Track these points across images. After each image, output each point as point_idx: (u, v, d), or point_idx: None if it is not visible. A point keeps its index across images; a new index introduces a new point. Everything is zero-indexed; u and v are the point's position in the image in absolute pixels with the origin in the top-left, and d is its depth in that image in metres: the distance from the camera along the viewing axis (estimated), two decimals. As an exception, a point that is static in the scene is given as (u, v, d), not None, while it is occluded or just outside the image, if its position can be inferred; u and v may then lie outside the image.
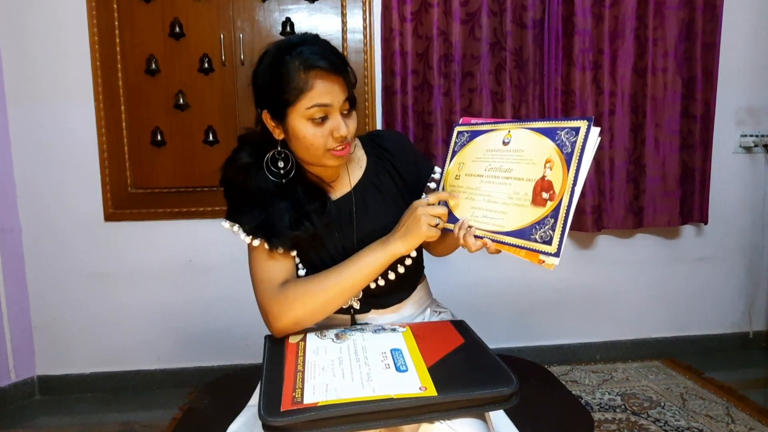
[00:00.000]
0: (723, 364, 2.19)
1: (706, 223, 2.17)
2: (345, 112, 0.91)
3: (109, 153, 1.96)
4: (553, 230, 0.72)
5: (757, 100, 2.22)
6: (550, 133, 0.78)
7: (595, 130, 0.74)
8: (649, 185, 2.10)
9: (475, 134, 0.91)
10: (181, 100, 1.95)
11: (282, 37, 1.95)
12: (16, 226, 1.96)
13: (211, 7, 1.94)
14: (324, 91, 0.87)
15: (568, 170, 0.74)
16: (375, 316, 1.02)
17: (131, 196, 1.99)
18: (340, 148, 0.91)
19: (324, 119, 0.89)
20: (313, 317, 0.92)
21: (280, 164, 0.96)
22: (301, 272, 0.99)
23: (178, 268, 2.04)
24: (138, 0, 1.91)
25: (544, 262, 0.74)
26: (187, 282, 2.05)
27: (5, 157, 1.92)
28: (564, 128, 0.77)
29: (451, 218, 0.88)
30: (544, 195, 0.75)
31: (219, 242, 2.01)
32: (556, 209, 0.73)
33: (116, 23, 1.91)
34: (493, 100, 2.03)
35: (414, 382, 0.73)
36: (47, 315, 2.02)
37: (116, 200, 1.98)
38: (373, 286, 0.98)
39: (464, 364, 0.81)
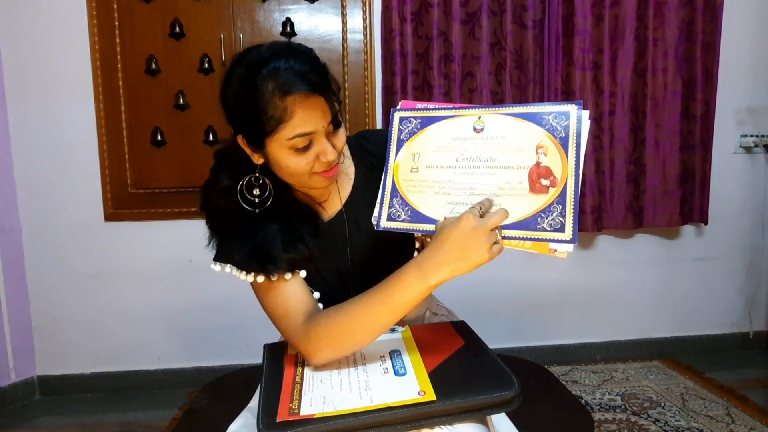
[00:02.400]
0: (723, 364, 2.19)
1: (706, 223, 2.17)
2: (330, 131, 0.81)
3: (109, 153, 1.96)
4: (563, 216, 0.69)
5: (757, 100, 2.22)
6: (535, 119, 0.74)
7: (586, 113, 0.73)
8: (649, 185, 2.10)
9: (428, 121, 0.81)
10: (181, 100, 1.95)
11: (282, 38, 1.97)
12: (16, 226, 1.96)
13: (211, 7, 1.94)
14: (306, 119, 0.76)
15: (567, 154, 0.71)
16: None
17: (131, 196, 1.99)
18: (329, 171, 0.83)
19: (308, 147, 0.79)
20: (347, 353, 0.81)
21: (256, 191, 0.86)
22: (315, 294, 0.91)
23: (178, 268, 2.04)
24: (138, 0, 1.91)
25: (555, 251, 0.70)
26: (187, 282, 2.05)
27: (5, 157, 1.92)
28: (551, 113, 0.74)
29: (418, 217, 0.78)
30: (544, 182, 0.72)
31: (219, 242, 2.01)
32: (562, 195, 0.70)
33: (116, 23, 1.91)
34: (493, 100, 2.03)
35: (412, 387, 0.72)
36: (47, 315, 2.02)
37: (116, 200, 1.98)
38: None
39: (465, 368, 0.79)
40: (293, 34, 1.98)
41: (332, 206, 0.94)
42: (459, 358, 0.82)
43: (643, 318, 2.28)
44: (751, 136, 2.22)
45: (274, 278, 0.84)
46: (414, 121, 0.82)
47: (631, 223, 2.13)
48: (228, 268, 0.88)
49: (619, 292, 2.26)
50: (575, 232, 0.68)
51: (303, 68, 0.76)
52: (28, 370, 2.02)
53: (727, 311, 2.33)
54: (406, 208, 0.79)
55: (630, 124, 2.10)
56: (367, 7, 1.99)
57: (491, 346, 0.88)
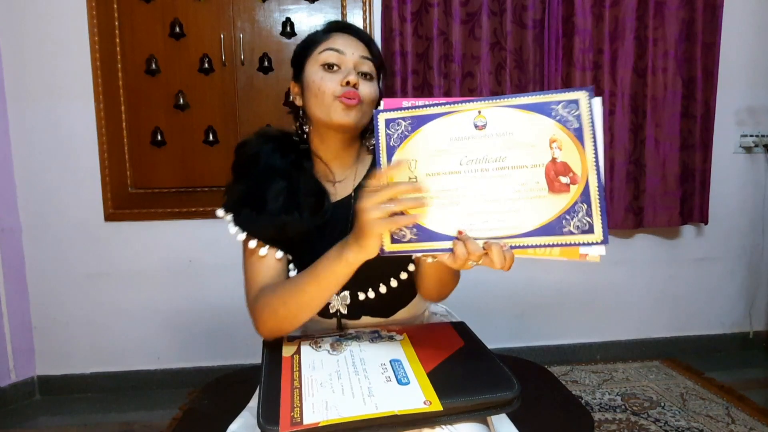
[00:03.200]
0: (723, 364, 2.19)
1: (706, 223, 2.17)
2: (361, 72, 0.89)
3: (109, 153, 1.96)
4: (590, 216, 0.64)
5: (757, 100, 2.22)
6: (542, 109, 0.68)
7: (598, 100, 0.67)
8: (649, 185, 2.10)
9: (419, 121, 0.71)
10: (181, 100, 1.95)
11: (282, 37, 1.98)
12: (16, 226, 1.96)
13: (211, 7, 1.94)
14: (340, 41, 0.89)
15: (584, 146, 0.66)
16: (367, 322, 0.97)
17: (131, 196, 1.99)
18: (349, 96, 0.86)
19: (336, 68, 0.88)
20: (285, 328, 0.86)
21: (295, 139, 0.96)
22: (292, 273, 0.92)
23: (178, 268, 2.04)
24: (138, 0, 1.91)
25: (587, 255, 0.64)
26: (187, 282, 2.05)
27: (5, 157, 1.92)
28: (559, 101, 0.67)
29: (426, 235, 0.70)
30: (563, 179, 0.66)
31: (219, 242, 2.01)
32: (586, 192, 0.65)
33: (116, 23, 1.91)
34: (493, 100, 2.03)
35: (418, 396, 0.70)
36: (47, 315, 2.02)
37: (116, 200, 1.98)
38: (362, 297, 0.91)
39: (465, 369, 0.78)
40: (293, 34, 1.98)
41: (344, 189, 0.96)
42: (458, 359, 0.81)
43: (643, 318, 2.28)
44: (751, 136, 2.22)
45: (252, 244, 0.89)
46: (403, 123, 0.72)
47: (631, 223, 2.13)
48: (228, 216, 0.92)
49: (619, 292, 2.26)
50: (606, 232, 0.63)
51: (353, 25, 0.94)
52: (28, 370, 2.02)
53: (727, 311, 2.33)
54: (412, 226, 0.70)
55: (630, 124, 2.10)
56: (367, 7, 1.99)
57: (491, 346, 0.88)
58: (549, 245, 0.65)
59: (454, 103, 0.71)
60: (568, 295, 2.22)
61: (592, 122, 0.67)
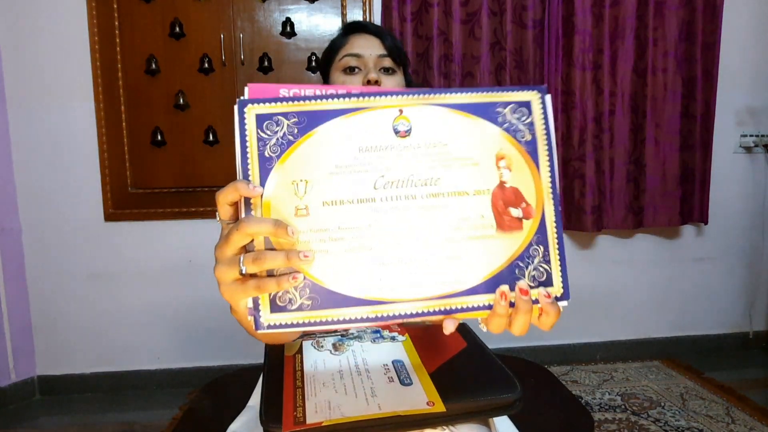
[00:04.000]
0: (723, 364, 2.19)
1: (706, 223, 2.17)
2: (381, 69, 0.91)
3: (109, 153, 1.96)
4: (548, 262, 0.49)
5: (757, 100, 2.22)
6: (485, 112, 0.50)
7: (548, 99, 0.51)
8: (649, 185, 2.10)
9: (312, 119, 0.48)
10: (181, 100, 1.95)
11: (282, 37, 1.98)
12: (16, 226, 1.96)
13: (211, 7, 1.94)
14: (356, 44, 0.91)
15: (538, 166, 0.50)
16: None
17: (131, 196, 1.99)
18: None
19: (356, 70, 0.91)
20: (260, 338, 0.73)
21: None
22: None
23: (178, 268, 2.04)
24: (138, 0, 1.91)
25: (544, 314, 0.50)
26: (187, 282, 2.05)
27: (5, 158, 1.92)
28: (507, 103, 0.50)
29: (326, 298, 0.46)
30: (514, 212, 0.49)
31: (219, 242, 2.01)
32: (542, 228, 0.49)
33: (116, 23, 1.91)
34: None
35: (421, 397, 0.69)
36: (47, 315, 2.02)
37: (116, 200, 1.98)
38: None
39: (467, 370, 0.78)
40: (293, 34, 1.98)
41: None
42: (461, 360, 0.81)
43: (643, 318, 2.28)
44: (751, 136, 2.22)
45: None
46: (285, 122, 0.48)
47: (631, 223, 2.13)
48: None
49: (619, 292, 2.26)
50: (567, 283, 0.49)
51: (367, 22, 0.96)
52: (28, 370, 2.02)
53: (727, 311, 2.33)
54: (303, 286, 0.46)
55: (630, 124, 2.10)
56: (367, 7, 1.99)
57: (491, 346, 0.88)
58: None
59: (364, 95, 0.49)
60: (568, 295, 2.22)
61: (548, 132, 0.50)
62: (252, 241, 0.45)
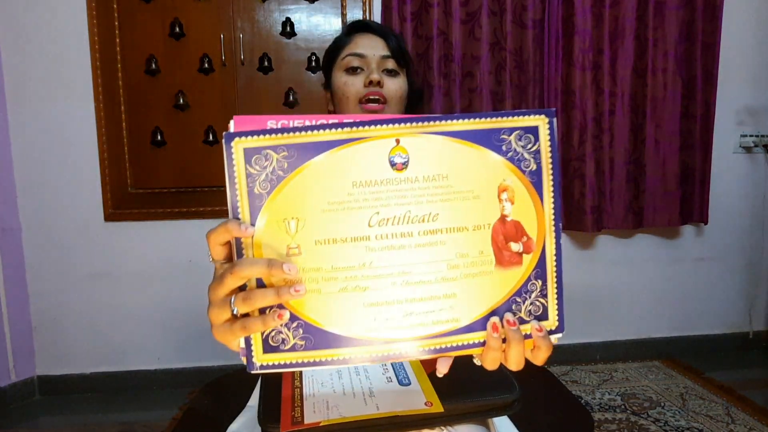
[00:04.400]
0: (723, 364, 2.19)
1: (706, 223, 2.17)
2: (384, 70, 0.89)
3: (109, 153, 1.96)
4: (545, 296, 0.50)
5: (757, 100, 2.22)
6: (488, 141, 0.47)
7: (553, 123, 0.48)
8: (649, 185, 2.10)
9: (303, 152, 0.45)
10: (181, 100, 1.95)
11: (282, 37, 1.98)
12: (16, 226, 1.96)
13: (211, 7, 1.94)
14: (360, 44, 0.90)
15: (542, 198, 0.48)
16: None
17: (131, 196, 1.99)
18: (372, 98, 0.86)
19: (359, 71, 0.89)
20: None
21: None
22: None
23: (178, 268, 2.04)
24: (138, 0, 1.91)
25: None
26: (187, 282, 2.05)
27: (5, 157, 1.92)
28: (512, 129, 0.48)
29: (319, 338, 0.46)
30: (515, 247, 0.48)
31: (219, 242, 2.01)
32: (542, 263, 0.49)
33: (116, 23, 1.91)
34: (493, 100, 2.03)
35: (419, 398, 0.69)
36: (47, 315, 2.02)
37: (116, 200, 1.98)
38: None
39: (465, 371, 0.78)
40: (293, 34, 1.98)
41: None
42: (459, 361, 0.81)
43: (643, 318, 2.28)
44: (751, 136, 2.22)
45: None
46: (274, 156, 0.45)
47: (631, 222, 2.13)
48: None
49: (619, 292, 2.26)
50: (562, 318, 0.50)
51: (372, 21, 0.94)
52: (28, 370, 2.02)
53: (727, 311, 2.33)
54: (296, 325, 0.46)
55: (630, 124, 2.10)
56: (367, 7, 1.99)
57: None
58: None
59: (357, 124, 0.46)
60: (568, 295, 2.20)
61: (554, 161, 0.48)
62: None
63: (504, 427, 0.93)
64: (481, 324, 0.48)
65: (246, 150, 0.44)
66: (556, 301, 0.50)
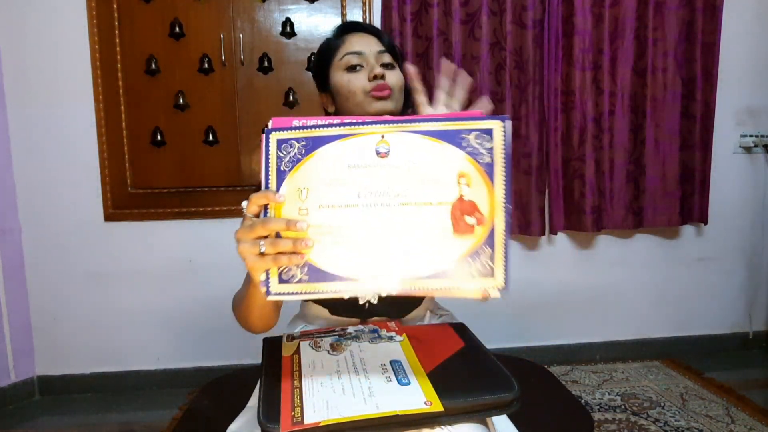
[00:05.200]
0: (723, 364, 2.19)
1: (706, 223, 2.17)
2: (382, 65, 0.92)
3: (109, 153, 1.96)
4: (493, 260, 0.61)
5: (757, 100, 2.22)
6: (452, 138, 0.62)
7: (508, 125, 0.61)
8: (649, 185, 2.10)
9: (314, 143, 0.63)
10: (181, 100, 1.95)
11: (282, 38, 1.98)
12: (16, 226, 1.96)
13: (211, 7, 1.94)
14: (356, 43, 0.92)
15: (493, 184, 0.61)
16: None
17: (131, 196, 1.99)
18: (380, 88, 0.89)
19: (359, 67, 0.91)
20: (248, 328, 0.86)
21: None
22: None
23: (178, 268, 2.04)
24: (138, 0, 1.91)
25: (488, 295, 0.63)
26: (187, 282, 2.05)
27: (5, 158, 1.92)
28: (470, 130, 0.62)
29: (318, 275, 0.62)
30: (469, 220, 0.61)
31: (219, 242, 2.01)
32: (491, 235, 0.61)
33: (116, 23, 1.91)
34: (493, 100, 2.03)
35: (418, 397, 0.70)
36: (47, 315, 2.02)
37: (116, 200, 1.98)
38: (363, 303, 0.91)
39: (465, 370, 0.79)
40: (293, 34, 1.98)
41: None
42: (458, 360, 0.81)
43: (643, 318, 2.28)
44: (751, 136, 2.22)
45: None
46: (296, 145, 0.63)
47: (631, 223, 2.13)
48: (244, 204, 0.98)
49: (619, 292, 2.26)
50: (508, 278, 0.61)
51: (360, 21, 0.94)
52: (28, 370, 2.02)
53: (727, 311, 2.33)
54: (302, 265, 0.62)
55: (630, 124, 2.10)
56: (367, 7, 1.99)
57: (491, 346, 0.88)
58: (449, 288, 0.62)
59: (354, 124, 0.63)
60: (568, 295, 2.22)
61: (506, 156, 0.61)
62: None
63: (504, 426, 0.93)
64: (439, 275, 0.62)
65: (278, 140, 0.63)
66: (503, 266, 0.61)
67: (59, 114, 1.94)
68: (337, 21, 2.00)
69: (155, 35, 1.93)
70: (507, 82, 1.99)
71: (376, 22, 2.00)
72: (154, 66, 1.93)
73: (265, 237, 0.61)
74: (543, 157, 2.06)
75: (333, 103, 0.97)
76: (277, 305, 0.85)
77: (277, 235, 0.61)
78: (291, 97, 1.99)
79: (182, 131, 1.98)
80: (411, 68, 0.85)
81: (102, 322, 2.04)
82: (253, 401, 0.98)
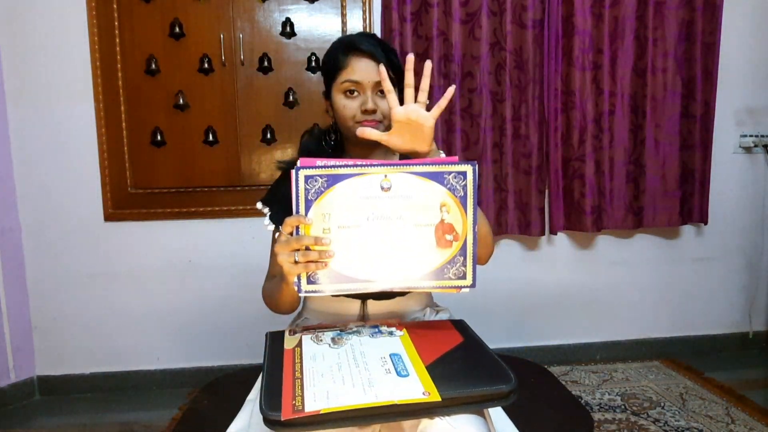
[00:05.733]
0: (723, 364, 2.19)
1: (706, 223, 2.18)
2: (379, 93, 0.97)
3: (109, 153, 1.96)
4: (465, 266, 0.84)
5: (757, 100, 2.23)
6: (437, 178, 0.83)
7: (475, 167, 0.83)
8: (649, 185, 2.10)
9: (334, 179, 0.82)
10: (181, 100, 1.95)
11: (282, 38, 1.98)
12: (16, 226, 1.96)
13: (211, 7, 1.94)
14: (356, 70, 0.97)
15: (466, 212, 0.83)
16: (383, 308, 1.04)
17: (131, 196, 1.99)
18: (367, 123, 0.96)
19: (355, 94, 0.97)
20: (278, 311, 1.01)
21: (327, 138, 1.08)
22: None
23: (178, 268, 2.04)
24: (138, 0, 1.91)
25: (461, 289, 0.85)
26: (187, 282, 2.05)
27: (5, 158, 1.92)
28: (450, 172, 0.82)
29: (338, 278, 0.83)
30: (448, 237, 0.83)
31: (219, 242, 2.01)
32: (464, 247, 0.84)
33: (116, 23, 1.91)
34: (493, 100, 2.03)
35: (417, 388, 0.73)
36: (47, 315, 2.02)
37: (116, 200, 1.98)
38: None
39: (463, 362, 0.81)
40: (293, 34, 1.98)
41: None
42: (457, 354, 0.84)
43: (643, 318, 2.29)
44: (751, 136, 2.22)
45: (276, 233, 1.03)
46: (320, 180, 0.82)
47: (631, 223, 2.13)
48: (265, 209, 1.07)
49: (619, 292, 2.26)
50: (475, 278, 0.84)
51: (370, 40, 1.00)
52: (28, 370, 2.02)
53: (727, 311, 2.33)
54: (326, 270, 0.83)
55: (630, 124, 2.10)
56: (367, 7, 1.99)
57: (491, 345, 0.89)
58: (435, 287, 0.85)
59: (364, 165, 0.83)
60: (568, 295, 2.22)
61: (474, 191, 0.83)
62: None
63: (504, 426, 0.93)
64: (426, 276, 0.85)
65: (306, 176, 0.81)
66: (472, 270, 0.85)
67: (59, 114, 1.94)
68: (337, 21, 2.00)
69: (155, 35, 1.93)
70: (507, 82, 1.99)
71: (376, 22, 2.00)
72: (154, 66, 1.93)
73: (298, 250, 0.79)
74: (543, 157, 2.06)
75: (332, 110, 1.03)
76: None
77: (307, 249, 0.80)
78: (291, 97, 1.99)
79: (182, 131, 1.98)
80: (409, 58, 0.89)
81: (102, 322, 2.04)
82: (253, 394, 0.99)
